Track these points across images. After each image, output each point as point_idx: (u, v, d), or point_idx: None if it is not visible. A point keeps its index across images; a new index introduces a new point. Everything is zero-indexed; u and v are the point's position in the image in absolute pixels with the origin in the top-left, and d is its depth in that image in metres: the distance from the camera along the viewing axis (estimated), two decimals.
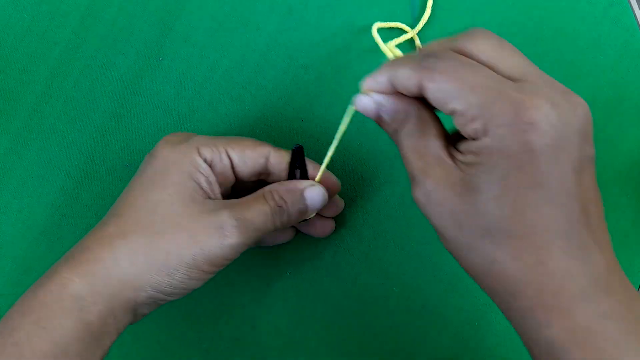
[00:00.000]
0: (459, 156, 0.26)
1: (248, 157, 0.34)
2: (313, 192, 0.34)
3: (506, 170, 0.25)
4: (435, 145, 0.27)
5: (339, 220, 0.40)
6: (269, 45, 0.42)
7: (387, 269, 0.40)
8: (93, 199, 0.40)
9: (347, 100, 0.41)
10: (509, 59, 0.26)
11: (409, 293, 0.40)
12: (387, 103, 0.28)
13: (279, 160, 0.34)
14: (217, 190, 0.33)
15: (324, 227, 0.38)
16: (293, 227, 0.39)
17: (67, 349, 0.28)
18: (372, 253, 0.40)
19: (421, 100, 0.27)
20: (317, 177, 0.35)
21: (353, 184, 0.41)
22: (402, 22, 0.41)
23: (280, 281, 0.40)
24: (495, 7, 0.42)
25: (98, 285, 0.29)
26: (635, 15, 0.42)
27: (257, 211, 0.32)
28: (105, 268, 0.29)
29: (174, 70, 0.41)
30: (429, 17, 0.42)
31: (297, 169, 0.35)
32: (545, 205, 0.24)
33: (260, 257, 0.40)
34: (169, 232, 0.30)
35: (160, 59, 0.41)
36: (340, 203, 0.38)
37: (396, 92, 0.28)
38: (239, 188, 0.36)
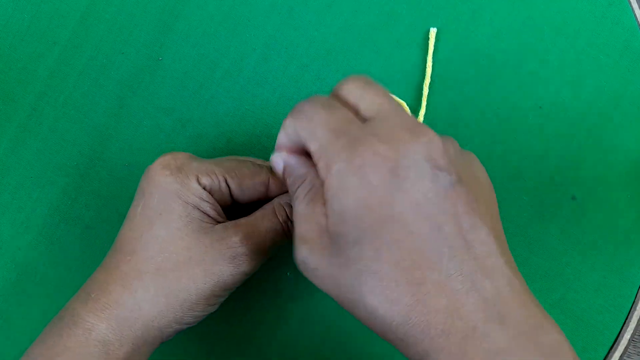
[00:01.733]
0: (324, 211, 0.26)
1: (246, 187, 0.33)
2: None
3: (353, 211, 0.24)
4: (319, 212, 0.26)
5: None
6: (269, 45, 0.42)
7: None
8: (92, 199, 0.40)
9: None
10: (369, 99, 0.26)
11: None
12: (289, 161, 0.29)
13: (278, 187, 0.33)
14: (222, 214, 0.33)
15: None
16: None
17: None
18: None
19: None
20: None
21: None
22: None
23: (280, 281, 0.40)
24: (495, 6, 0.42)
25: (124, 329, 0.29)
26: (635, 15, 0.42)
27: (267, 231, 0.32)
28: (129, 311, 0.30)
29: (174, 70, 0.41)
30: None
31: None
32: (405, 238, 0.24)
33: None
34: (184, 269, 0.30)
35: (160, 58, 0.41)
36: None
37: (302, 155, 0.28)
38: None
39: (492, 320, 0.23)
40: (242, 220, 0.32)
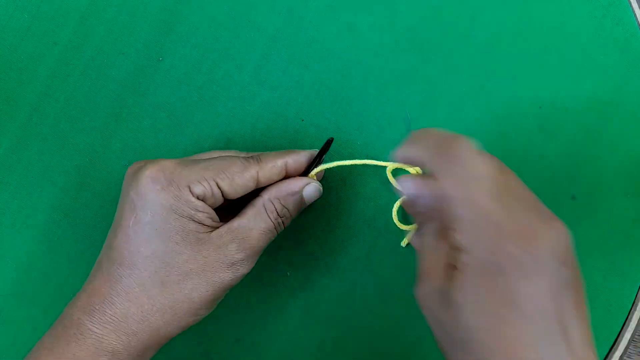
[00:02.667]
0: (450, 271, 0.28)
1: (237, 184, 0.33)
2: (310, 190, 0.35)
3: (482, 286, 0.27)
4: (445, 254, 0.29)
5: (340, 221, 0.40)
6: (269, 45, 0.42)
7: (387, 270, 0.40)
8: (93, 199, 0.40)
9: (347, 100, 0.42)
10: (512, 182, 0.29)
11: (409, 294, 0.40)
12: (423, 194, 0.31)
13: (268, 178, 0.34)
14: (217, 219, 0.33)
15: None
16: None
17: None
18: (373, 254, 0.40)
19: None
20: (313, 173, 0.36)
21: (353, 185, 0.41)
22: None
23: (281, 282, 0.40)
24: (495, 6, 0.42)
25: (131, 340, 0.31)
26: (635, 15, 0.42)
27: (261, 232, 0.33)
28: (137, 324, 0.31)
29: (174, 70, 0.41)
30: None
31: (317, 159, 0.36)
32: (520, 322, 0.26)
33: (260, 257, 0.40)
34: (187, 281, 0.31)
35: (161, 59, 0.41)
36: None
37: (429, 196, 0.30)
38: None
39: None
40: (235, 224, 0.33)
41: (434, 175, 0.29)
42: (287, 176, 0.35)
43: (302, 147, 0.40)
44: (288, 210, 0.34)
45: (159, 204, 0.31)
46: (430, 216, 0.31)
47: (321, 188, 0.36)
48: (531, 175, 0.41)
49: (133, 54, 0.41)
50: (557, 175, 0.41)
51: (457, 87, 0.42)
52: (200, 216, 0.32)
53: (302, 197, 0.35)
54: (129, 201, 0.31)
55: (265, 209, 0.33)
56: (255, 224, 0.33)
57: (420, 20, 0.42)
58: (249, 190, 0.34)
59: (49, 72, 0.41)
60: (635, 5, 0.42)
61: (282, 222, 0.34)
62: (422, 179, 0.31)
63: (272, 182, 0.34)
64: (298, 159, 0.35)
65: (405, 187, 0.32)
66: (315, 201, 0.40)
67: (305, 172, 0.36)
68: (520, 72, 0.42)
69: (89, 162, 0.41)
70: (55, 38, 0.41)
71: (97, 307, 0.30)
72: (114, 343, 0.30)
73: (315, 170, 0.35)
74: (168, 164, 0.32)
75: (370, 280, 0.40)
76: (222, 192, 0.33)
